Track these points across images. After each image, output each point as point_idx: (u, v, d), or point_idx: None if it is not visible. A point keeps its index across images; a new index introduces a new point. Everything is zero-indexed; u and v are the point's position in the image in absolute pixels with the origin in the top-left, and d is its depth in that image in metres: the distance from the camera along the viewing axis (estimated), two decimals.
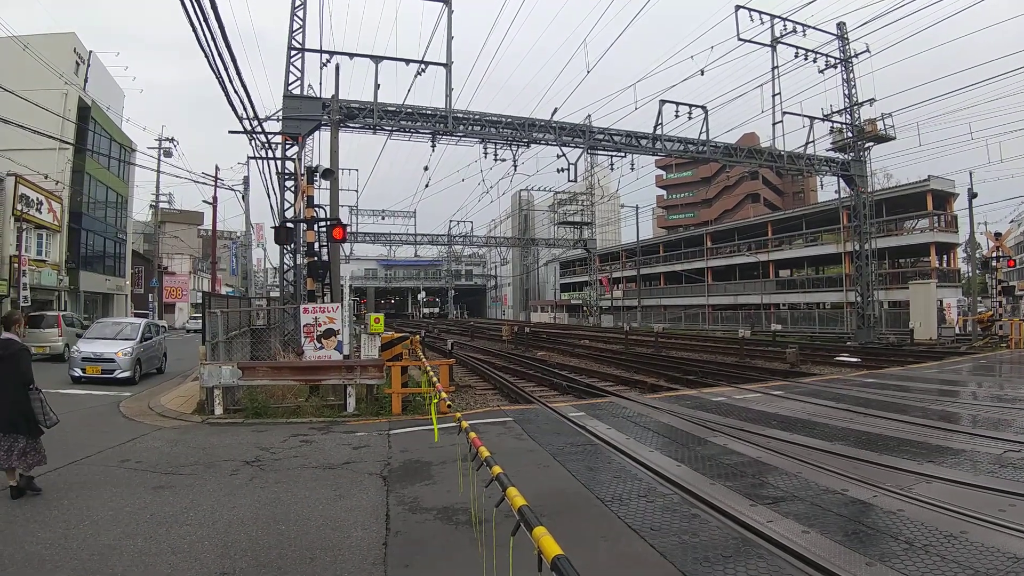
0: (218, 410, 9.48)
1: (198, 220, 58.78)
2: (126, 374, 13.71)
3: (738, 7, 21.25)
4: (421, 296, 79.14)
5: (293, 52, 17.63)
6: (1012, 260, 25.67)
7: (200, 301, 27.36)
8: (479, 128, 20.93)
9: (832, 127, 26.19)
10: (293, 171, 16.92)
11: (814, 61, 23.91)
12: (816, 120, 24.82)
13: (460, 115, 20.49)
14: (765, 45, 22.66)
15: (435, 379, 8.32)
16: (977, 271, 29.57)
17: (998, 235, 26.52)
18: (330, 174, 14.21)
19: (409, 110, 19.78)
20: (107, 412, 10.01)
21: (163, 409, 10.26)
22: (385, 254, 78.05)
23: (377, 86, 18.79)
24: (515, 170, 23.35)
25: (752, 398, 10.74)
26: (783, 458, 6.36)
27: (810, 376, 14.87)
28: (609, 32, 20.41)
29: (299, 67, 17.72)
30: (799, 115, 24.42)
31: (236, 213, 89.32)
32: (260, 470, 6.32)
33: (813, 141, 24.91)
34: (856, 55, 24.83)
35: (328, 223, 13.14)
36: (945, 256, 35.34)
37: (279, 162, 18.03)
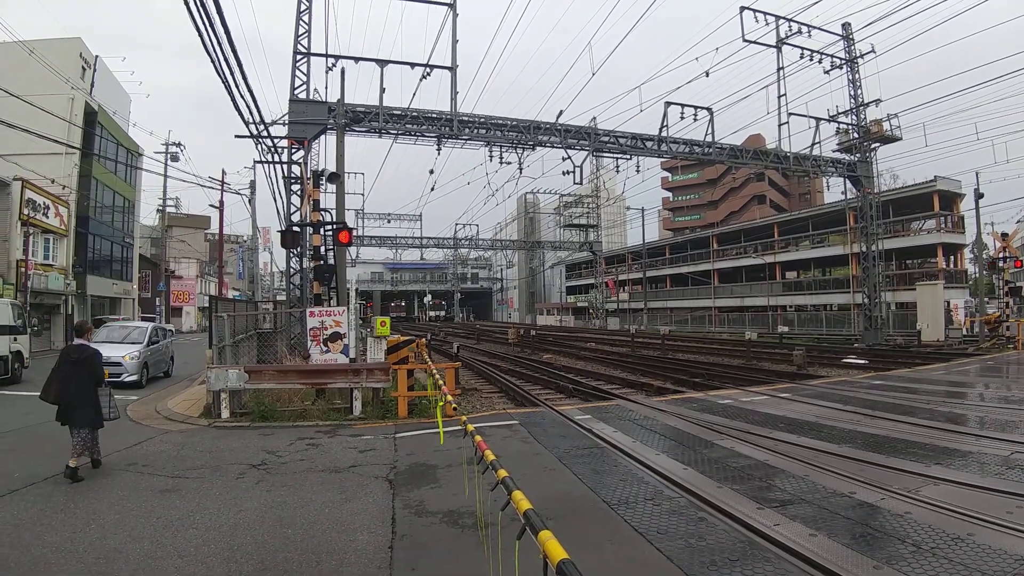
0: (225, 413, 9.52)
1: (205, 224, 59.18)
2: (133, 378, 13.77)
3: (743, 8, 21.19)
4: (427, 299, 79.21)
5: (299, 56, 17.73)
6: (1019, 260, 25.34)
7: (207, 305, 27.51)
8: (484, 131, 20.95)
9: (838, 128, 26.07)
10: (299, 175, 17.00)
11: (819, 62, 23.80)
12: (822, 121, 24.70)
13: (465, 118, 20.52)
14: (770, 46, 22.59)
15: (441, 382, 8.32)
16: (984, 272, 29.35)
17: (1005, 235, 26.32)
18: (336, 178, 14.25)
19: (415, 113, 19.83)
20: None
21: (170, 412, 10.31)
22: (391, 257, 77.98)
23: (383, 90, 18.85)
24: (521, 173, 23.42)
25: (759, 400, 10.69)
26: (790, 461, 6.33)
27: (817, 378, 14.80)
28: (614, 34, 20.48)
29: (305, 71, 17.83)
30: (805, 116, 24.32)
31: (243, 217, 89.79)
32: (266, 473, 6.34)
33: (819, 142, 24.78)
34: (862, 55, 24.72)
35: (334, 227, 13.18)
36: (952, 257, 35.08)
37: (285, 166, 18.12)
